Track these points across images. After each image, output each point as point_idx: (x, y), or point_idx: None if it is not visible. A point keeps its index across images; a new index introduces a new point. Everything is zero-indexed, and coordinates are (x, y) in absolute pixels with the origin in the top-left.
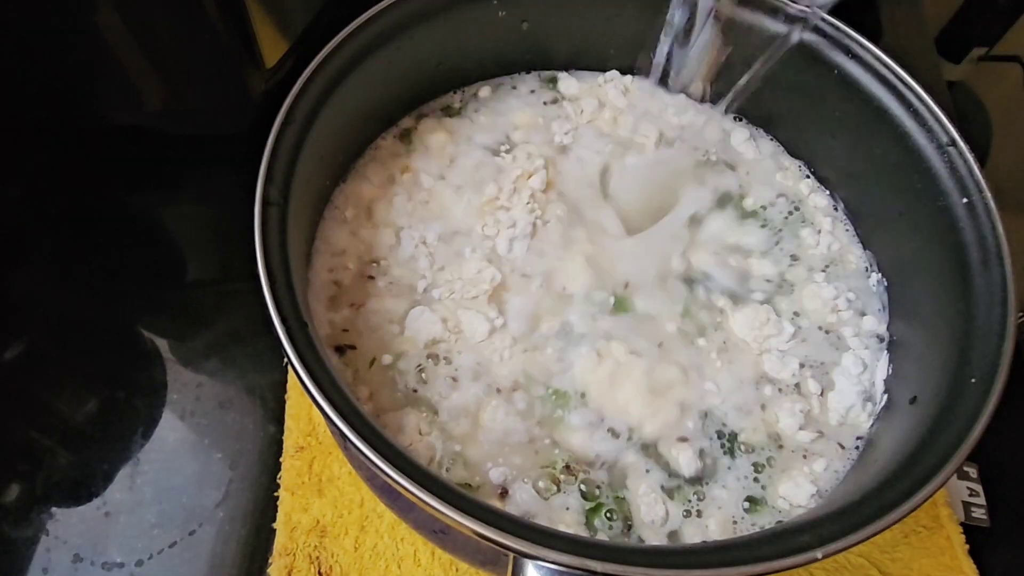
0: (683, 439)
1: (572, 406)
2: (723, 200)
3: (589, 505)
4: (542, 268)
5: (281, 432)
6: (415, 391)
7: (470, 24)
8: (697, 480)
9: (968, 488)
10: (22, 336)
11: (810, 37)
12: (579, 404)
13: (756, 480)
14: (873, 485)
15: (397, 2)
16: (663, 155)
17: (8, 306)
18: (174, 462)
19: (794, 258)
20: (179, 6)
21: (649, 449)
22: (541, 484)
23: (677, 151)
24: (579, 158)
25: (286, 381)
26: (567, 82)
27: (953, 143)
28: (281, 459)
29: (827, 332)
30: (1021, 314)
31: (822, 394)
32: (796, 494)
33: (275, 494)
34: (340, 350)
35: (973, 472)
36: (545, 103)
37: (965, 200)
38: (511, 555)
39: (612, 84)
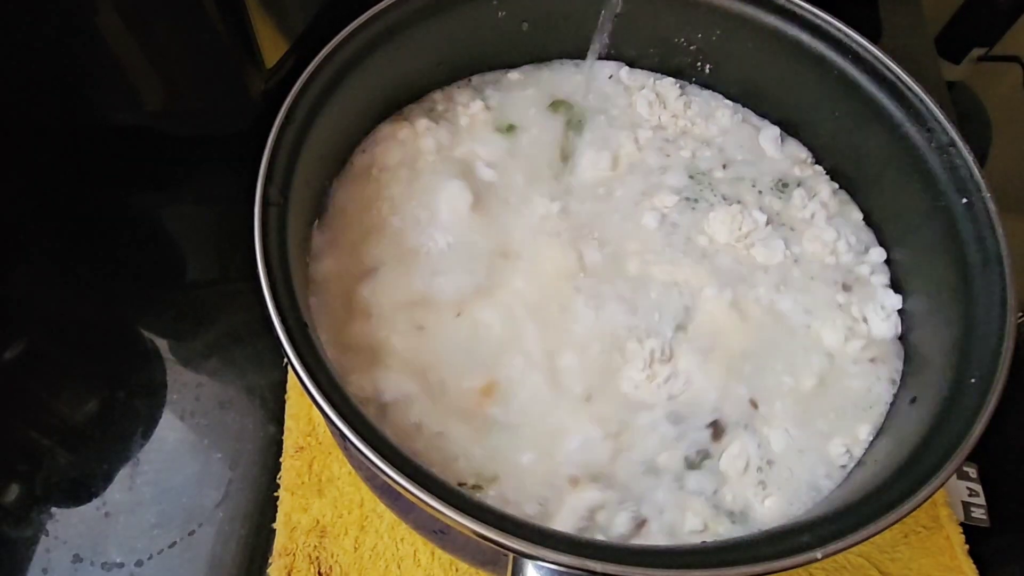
0: None
1: None
2: None
3: None
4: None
5: (281, 432)
6: None
7: (470, 24)
8: None
9: (968, 488)
10: (22, 336)
11: (809, 37)
12: None
13: None
14: (873, 485)
15: (397, 2)
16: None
17: (8, 306)
18: (174, 462)
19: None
20: (179, 6)
21: None
22: None
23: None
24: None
25: (286, 381)
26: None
27: (953, 143)
28: (281, 459)
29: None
30: (1021, 314)
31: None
32: None
33: (275, 494)
34: None
35: (973, 472)
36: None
37: (965, 200)
38: (511, 555)
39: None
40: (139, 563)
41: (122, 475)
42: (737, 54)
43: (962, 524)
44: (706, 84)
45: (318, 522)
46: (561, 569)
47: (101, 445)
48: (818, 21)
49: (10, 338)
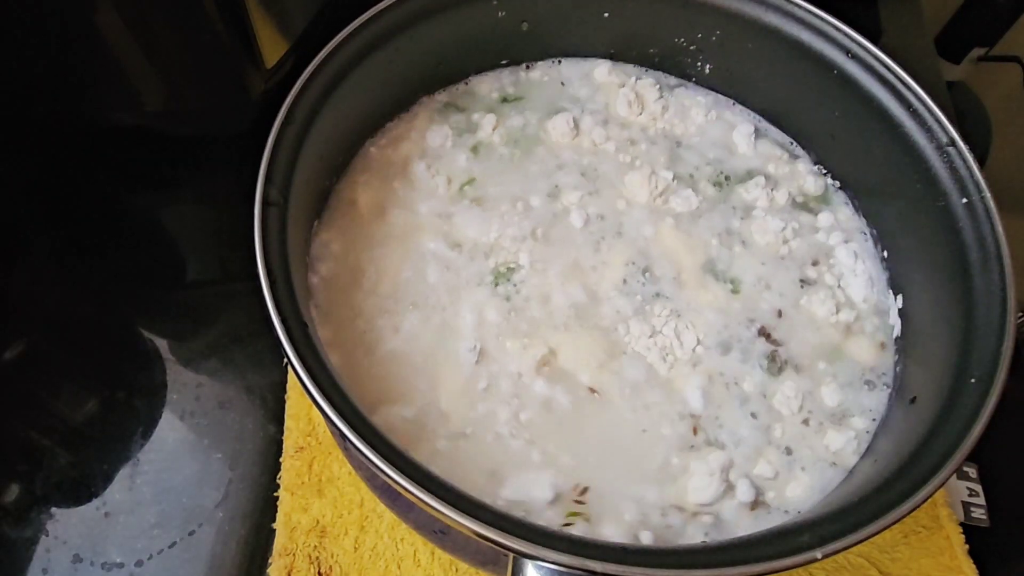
0: None
1: None
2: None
3: None
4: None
5: (281, 432)
6: None
7: (470, 24)
8: None
9: (968, 488)
10: (22, 336)
11: (810, 37)
12: None
13: None
14: (873, 485)
15: (397, 2)
16: None
17: (8, 306)
18: (174, 462)
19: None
20: (179, 6)
21: None
22: None
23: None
24: None
25: (286, 381)
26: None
27: (953, 143)
28: (281, 459)
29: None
30: (1021, 314)
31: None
32: None
33: (275, 494)
34: None
35: (973, 472)
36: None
37: (965, 200)
38: (511, 555)
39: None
40: (139, 563)
41: (122, 475)
42: (737, 54)
43: (962, 524)
44: (706, 84)
45: (318, 522)
46: (561, 569)
47: (101, 445)
48: (818, 21)
49: (10, 338)
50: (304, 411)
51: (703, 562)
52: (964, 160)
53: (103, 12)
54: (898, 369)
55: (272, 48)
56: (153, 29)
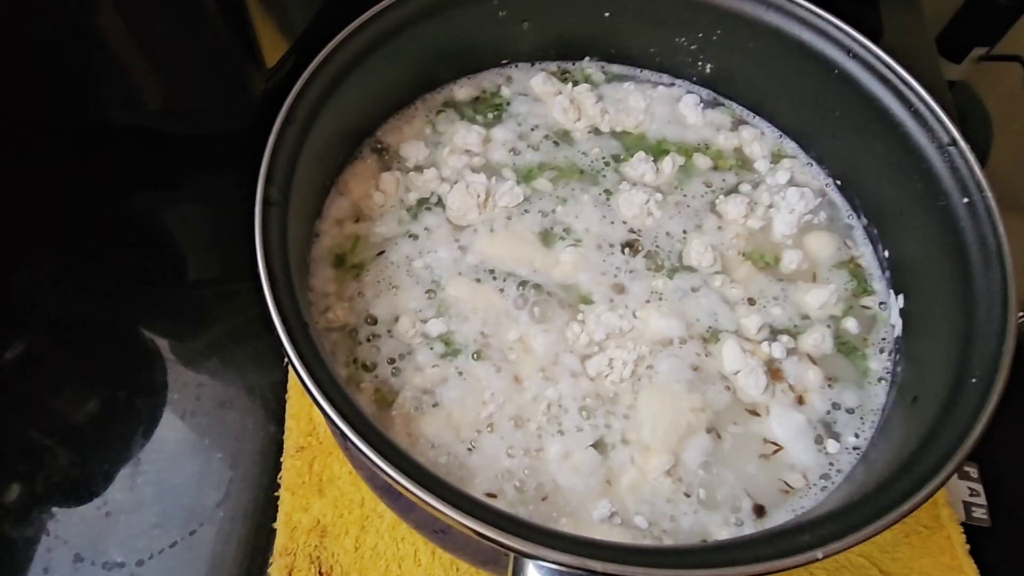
0: None
1: None
2: None
3: None
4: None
5: (281, 432)
6: None
7: (471, 23)
8: None
9: (969, 488)
10: (22, 336)
11: (811, 37)
12: None
13: None
14: (873, 485)
15: (397, 2)
16: None
17: (8, 306)
18: (174, 462)
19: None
20: (179, 6)
21: None
22: None
23: None
24: None
25: (286, 381)
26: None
27: (954, 143)
28: (281, 459)
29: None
30: (1022, 314)
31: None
32: None
33: (275, 494)
34: None
35: (974, 472)
36: None
37: (966, 200)
38: (511, 555)
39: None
40: (140, 563)
41: (123, 475)
42: (738, 54)
43: (963, 524)
44: (706, 83)
45: (319, 522)
46: (562, 569)
47: (102, 445)
48: (819, 21)
49: (10, 338)
50: (305, 411)
51: (703, 562)
52: (965, 159)
53: (103, 12)
54: (898, 369)
55: (272, 48)
56: (153, 29)
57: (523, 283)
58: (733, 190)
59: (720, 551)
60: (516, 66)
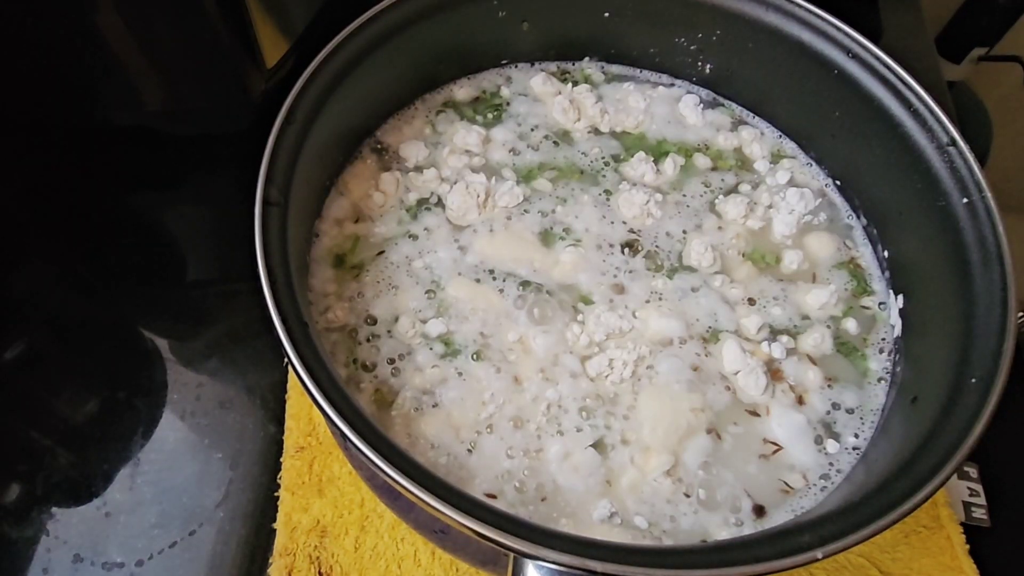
0: None
1: None
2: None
3: None
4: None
5: (281, 432)
6: None
7: (470, 23)
8: None
9: (968, 488)
10: (22, 336)
11: (811, 37)
12: None
13: None
14: (873, 485)
15: (397, 2)
16: None
17: (8, 306)
18: (174, 462)
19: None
20: (179, 6)
21: None
22: None
23: None
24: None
25: (286, 381)
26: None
27: (953, 143)
28: (281, 459)
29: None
30: (1021, 314)
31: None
32: None
33: (275, 494)
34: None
35: (973, 472)
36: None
37: (965, 200)
38: (511, 555)
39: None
40: (139, 563)
41: (122, 475)
42: (738, 54)
43: (963, 524)
44: (706, 84)
45: (318, 522)
46: (562, 569)
47: (101, 445)
48: (819, 21)
49: (10, 338)
50: (305, 411)
51: (703, 562)
52: (965, 160)
53: (103, 12)
54: (898, 369)
55: (272, 48)
56: (153, 29)
57: (523, 283)
58: (733, 190)
59: (720, 551)
60: (516, 66)
